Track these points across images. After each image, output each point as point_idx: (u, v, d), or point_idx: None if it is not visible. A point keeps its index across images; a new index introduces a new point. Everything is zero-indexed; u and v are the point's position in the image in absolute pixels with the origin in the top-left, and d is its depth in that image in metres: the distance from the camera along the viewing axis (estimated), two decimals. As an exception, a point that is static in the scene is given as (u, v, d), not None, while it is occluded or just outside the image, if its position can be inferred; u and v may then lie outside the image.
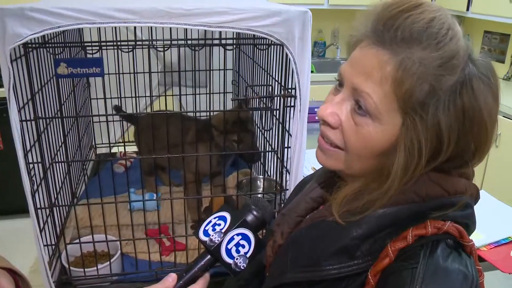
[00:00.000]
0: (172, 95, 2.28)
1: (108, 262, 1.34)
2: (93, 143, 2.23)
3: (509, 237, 1.48)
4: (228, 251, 0.77)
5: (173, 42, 1.22)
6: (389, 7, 0.65)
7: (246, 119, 1.51)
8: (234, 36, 1.79)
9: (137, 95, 1.95)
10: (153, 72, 2.02)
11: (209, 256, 0.79)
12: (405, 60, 0.61)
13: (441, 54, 0.61)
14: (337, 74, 0.71)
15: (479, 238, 1.44)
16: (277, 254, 0.83)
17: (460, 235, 0.66)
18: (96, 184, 1.42)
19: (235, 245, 0.78)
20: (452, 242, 0.66)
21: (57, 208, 1.40)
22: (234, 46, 1.74)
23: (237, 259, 0.77)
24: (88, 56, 1.37)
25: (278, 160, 1.43)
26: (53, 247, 1.36)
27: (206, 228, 0.80)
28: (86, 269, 1.32)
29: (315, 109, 2.56)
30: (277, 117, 1.41)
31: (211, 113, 1.65)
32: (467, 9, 3.59)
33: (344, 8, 3.94)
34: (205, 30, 1.13)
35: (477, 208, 0.72)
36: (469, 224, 0.70)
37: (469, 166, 0.69)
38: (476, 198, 0.71)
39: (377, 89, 0.63)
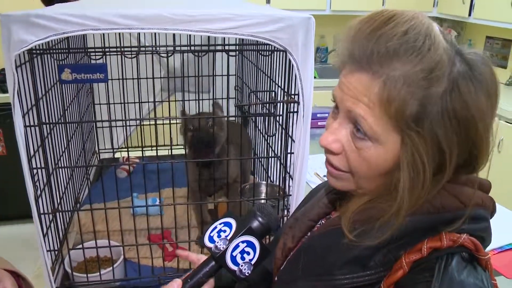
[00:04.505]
0: (175, 101, 2.28)
1: (111, 268, 1.34)
2: (96, 148, 2.23)
3: (513, 243, 1.47)
4: (233, 258, 0.78)
5: (177, 48, 1.22)
6: (361, 28, 0.64)
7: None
8: (237, 42, 1.80)
9: (140, 101, 1.95)
10: (156, 78, 2.03)
11: (213, 263, 0.79)
12: (388, 80, 0.60)
13: (423, 67, 0.59)
14: (331, 96, 0.70)
15: (482, 244, 1.44)
16: (289, 261, 0.83)
17: (476, 249, 0.64)
18: (98, 189, 1.42)
19: (240, 252, 0.78)
20: (467, 256, 0.64)
21: (60, 213, 1.40)
22: (237, 52, 1.74)
23: (242, 266, 0.77)
24: (92, 61, 1.37)
25: (281, 166, 1.43)
26: (56, 252, 1.36)
27: (211, 235, 0.80)
28: (88, 275, 1.32)
29: (318, 115, 2.54)
30: (280, 123, 1.41)
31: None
32: (469, 15, 3.59)
33: (346, 13, 3.95)
34: (209, 36, 1.14)
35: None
36: (485, 238, 0.68)
37: (477, 170, 0.67)
38: (493, 211, 0.70)
39: (369, 112, 0.63)
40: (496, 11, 3.37)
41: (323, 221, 0.83)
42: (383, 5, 3.94)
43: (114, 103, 2.05)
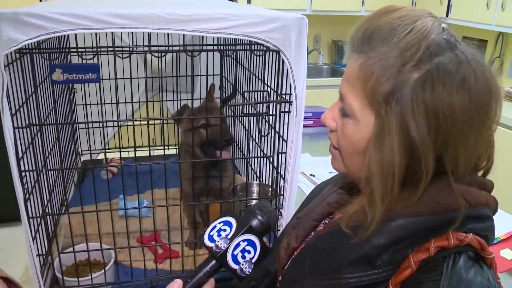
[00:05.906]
0: (160, 101, 2.26)
1: (103, 271, 1.31)
2: (79, 149, 2.19)
3: (499, 238, 1.50)
4: (234, 257, 0.78)
5: (165, 48, 1.21)
6: (370, 15, 0.69)
7: (212, 108, 1.57)
8: (223, 42, 1.79)
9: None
10: (138, 78, 2.01)
11: (214, 262, 0.79)
12: (367, 59, 0.65)
13: (397, 45, 0.63)
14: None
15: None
16: (293, 260, 0.83)
17: (481, 248, 0.66)
18: (83, 191, 1.40)
19: (241, 251, 0.78)
20: (473, 255, 0.66)
21: (49, 216, 1.37)
22: (225, 52, 1.74)
23: (242, 264, 0.78)
24: (75, 61, 1.34)
25: (272, 166, 1.43)
26: (44, 256, 1.33)
27: (211, 234, 0.80)
28: (79, 279, 1.30)
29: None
30: (270, 123, 1.41)
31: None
32: (447, 15, 3.67)
33: (326, 14, 3.98)
34: (200, 36, 1.13)
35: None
36: (489, 236, 0.70)
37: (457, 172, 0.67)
38: (495, 210, 0.72)
39: (351, 90, 0.68)
40: (472, 12, 3.45)
41: (327, 221, 0.83)
42: (362, 5, 3.99)
43: (96, 104, 2.02)
